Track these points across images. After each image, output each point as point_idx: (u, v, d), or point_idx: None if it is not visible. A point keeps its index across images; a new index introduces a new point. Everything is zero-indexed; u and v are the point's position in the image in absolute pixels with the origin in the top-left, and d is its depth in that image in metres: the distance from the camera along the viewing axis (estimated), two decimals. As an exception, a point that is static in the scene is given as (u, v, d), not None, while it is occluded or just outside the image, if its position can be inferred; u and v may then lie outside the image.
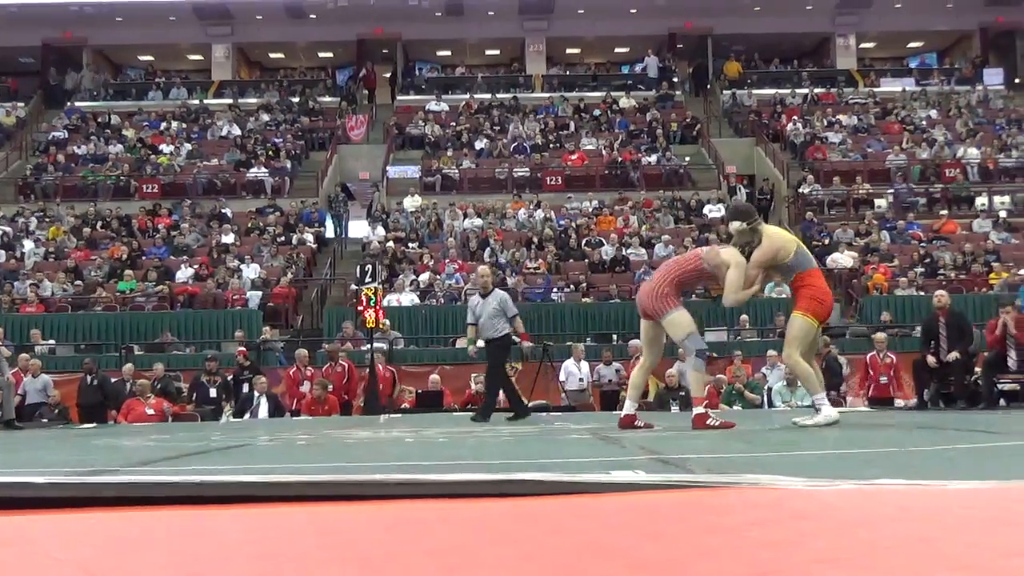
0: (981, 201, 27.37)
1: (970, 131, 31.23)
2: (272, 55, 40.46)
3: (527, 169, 29.60)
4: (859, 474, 3.96)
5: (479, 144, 31.25)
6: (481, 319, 12.26)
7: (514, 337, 12.79)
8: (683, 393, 16.15)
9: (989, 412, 12.38)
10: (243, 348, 18.37)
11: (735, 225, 8.69)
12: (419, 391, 17.72)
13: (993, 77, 36.32)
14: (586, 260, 24.06)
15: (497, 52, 39.98)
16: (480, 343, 12.62)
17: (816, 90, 35.05)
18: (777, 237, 8.73)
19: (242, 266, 23.73)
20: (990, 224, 25.79)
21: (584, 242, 24.82)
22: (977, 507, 2.95)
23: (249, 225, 26.71)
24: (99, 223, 26.90)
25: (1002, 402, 13.48)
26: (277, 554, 2.44)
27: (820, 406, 8.59)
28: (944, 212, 26.72)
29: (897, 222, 25.95)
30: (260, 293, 22.60)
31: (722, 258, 8.47)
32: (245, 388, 16.95)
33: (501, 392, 12.95)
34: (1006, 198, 27.38)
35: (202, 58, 38.90)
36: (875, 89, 35.64)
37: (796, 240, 9.04)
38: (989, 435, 6.98)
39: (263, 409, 16.35)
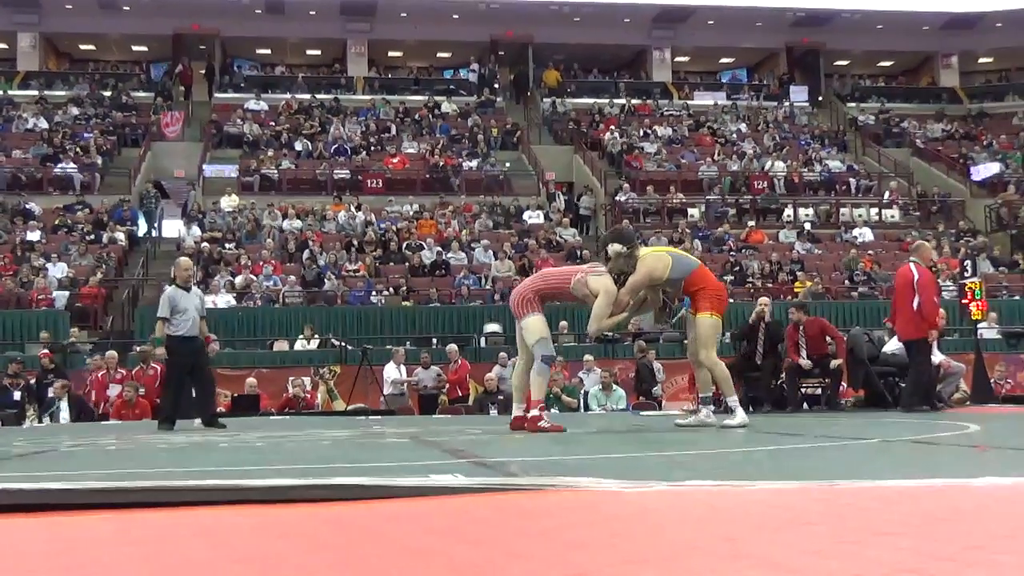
0: (787, 212, 28.52)
1: (777, 145, 32.56)
2: (82, 47, 38.93)
3: (348, 171, 29.35)
4: (671, 476, 4.06)
5: (299, 145, 30.83)
6: (189, 313, 11.49)
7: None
8: (501, 397, 16.32)
9: (794, 415, 12.91)
10: (47, 350, 17.63)
11: (614, 248, 8.73)
12: (235, 395, 17.34)
13: (798, 94, 37.99)
14: (406, 264, 24.01)
15: (318, 52, 39.52)
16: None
17: (633, 101, 35.88)
18: (649, 260, 8.76)
19: (48, 265, 22.76)
20: (795, 235, 26.89)
21: (404, 246, 24.77)
22: (781, 507, 3.07)
23: (56, 222, 25.64)
24: None
25: (805, 405, 14.07)
26: (82, 565, 2.35)
27: (734, 407, 8.82)
28: (752, 223, 27.70)
29: (709, 231, 26.79)
30: (67, 293, 21.73)
31: (590, 288, 8.62)
32: (50, 392, 16.28)
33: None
34: (810, 210, 28.61)
35: (6, 47, 37.09)
36: (689, 102, 36.74)
37: (668, 254, 9.03)
38: (793, 437, 7.26)
39: (64, 413, 15.74)
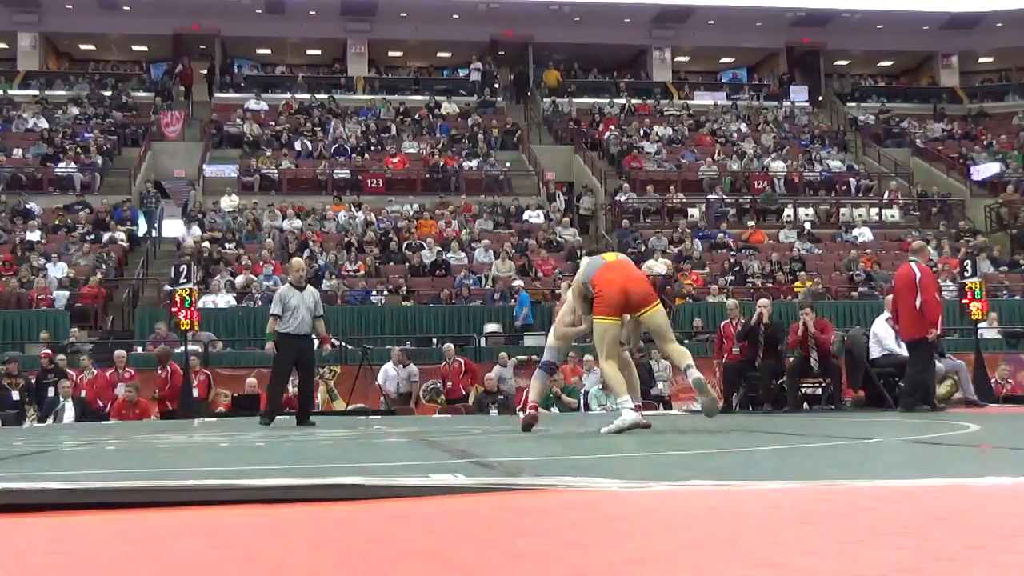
0: (787, 212, 28.50)
1: (777, 145, 32.53)
2: (83, 46, 38.91)
3: (348, 171, 29.34)
4: (671, 476, 4.06)
5: (299, 145, 30.81)
6: (299, 311, 11.83)
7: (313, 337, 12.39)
8: (501, 397, 16.36)
9: (794, 415, 12.90)
10: (47, 350, 17.64)
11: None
12: (235, 394, 17.35)
13: (798, 94, 37.98)
14: (406, 264, 24.00)
15: (318, 52, 39.51)
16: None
17: (633, 101, 35.84)
18: (575, 283, 8.87)
19: (48, 264, 22.77)
20: (795, 234, 26.85)
21: (404, 246, 24.76)
22: (780, 507, 3.07)
23: (56, 222, 25.65)
24: None
25: (805, 405, 14.05)
26: (82, 565, 2.35)
27: (622, 408, 8.35)
28: (752, 223, 27.68)
29: (709, 231, 26.77)
30: (67, 293, 21.74)
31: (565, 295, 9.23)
32: (50, 392, 16.29)
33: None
34: (810, 210, 28.58)
35: (7, 47, 37.08)
36: (689, 102, 36.68)
37: (585, 264, 8.89)
38: (793, 437, 7.26)
39: (69, 413, 15.75)
